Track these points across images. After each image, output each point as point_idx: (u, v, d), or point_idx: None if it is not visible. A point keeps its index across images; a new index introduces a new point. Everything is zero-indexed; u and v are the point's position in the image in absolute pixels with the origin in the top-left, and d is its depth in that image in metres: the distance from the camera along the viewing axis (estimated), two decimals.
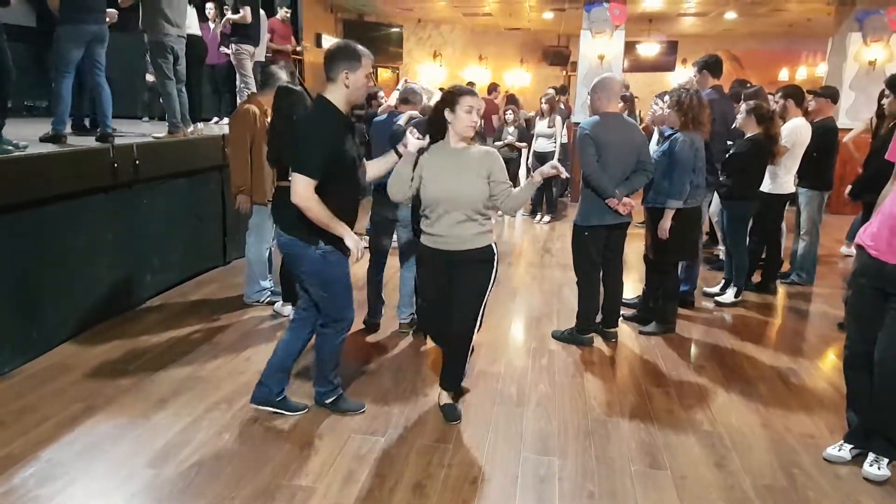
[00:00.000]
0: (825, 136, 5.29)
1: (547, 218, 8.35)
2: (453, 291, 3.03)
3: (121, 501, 2.51)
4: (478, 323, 3.06)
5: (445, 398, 3.27)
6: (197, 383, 3.51)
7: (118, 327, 4.26)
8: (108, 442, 2.90)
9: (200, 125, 6.27)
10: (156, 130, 5.47)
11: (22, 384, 3.44)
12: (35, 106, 7.23)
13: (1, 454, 2.77)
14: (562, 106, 9.24)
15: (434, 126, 3.01)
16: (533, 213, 8.55)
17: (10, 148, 3.88)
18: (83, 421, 3.07)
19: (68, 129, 4.74)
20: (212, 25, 7.25)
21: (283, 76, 4.50)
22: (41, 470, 2.67)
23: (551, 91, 8.53)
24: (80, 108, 5.48)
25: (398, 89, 4.57)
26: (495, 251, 3.05)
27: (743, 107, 4.82)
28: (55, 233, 3.88)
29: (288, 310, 4.48)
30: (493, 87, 10.97)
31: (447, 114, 2.93)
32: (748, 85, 6.04)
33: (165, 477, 2.66)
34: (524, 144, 8.33)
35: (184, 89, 5.58)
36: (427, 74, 14.62)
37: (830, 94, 5.64)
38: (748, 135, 4.76)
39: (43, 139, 4.55)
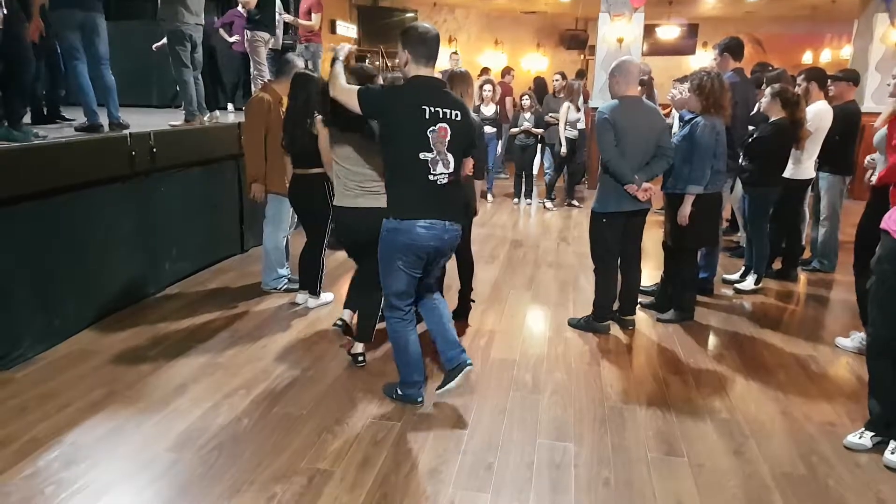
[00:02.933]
0: (847, 120, 5.19)
1: (564, 205, 8.30)
2: None
3: (142, 485, 2.56)
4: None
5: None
6: (216, 370, 3.55)
7: (137, 315, 4.31)
8: (129, 426, 2.95)
9: (217, 113, 6.29)
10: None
11: (44, 371, 3.50)
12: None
13: (25, 438, 2.83)
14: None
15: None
16: (548, 199, 8.48)
17: (30, 137, 3.93)
18: (105, 406, 3.12)
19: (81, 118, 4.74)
20: (242, 11, 7.27)
21: (299, 63, 4.49)
22: (64, 454, 2.72)
23: (558, 77, 8.48)
24: (36, 94, 5.46)
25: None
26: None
27: (768, 90, 4.72)
28: (74, 221, 3.92)
29: (302, 297, 4.50)
30: (507, 71, 10.91)
31: None
32: (770, 68, 5.92)
33: (186, 461, 2.70)
34: (541, 130, 8.25)
35: (200, 77, 5.61)
36: (442, 60, 14.53)
37: (851, 77, 5.51)
38: (772, 119, 4.67)
39: (78, 129, 4.60)
